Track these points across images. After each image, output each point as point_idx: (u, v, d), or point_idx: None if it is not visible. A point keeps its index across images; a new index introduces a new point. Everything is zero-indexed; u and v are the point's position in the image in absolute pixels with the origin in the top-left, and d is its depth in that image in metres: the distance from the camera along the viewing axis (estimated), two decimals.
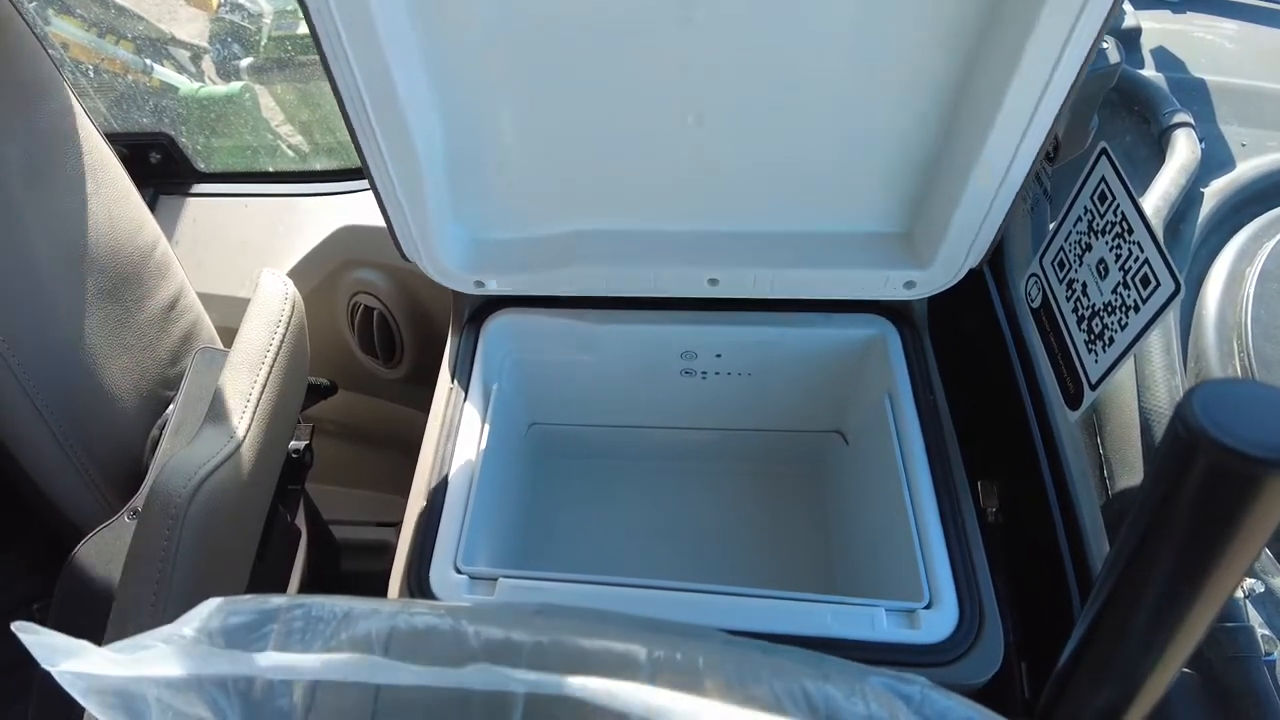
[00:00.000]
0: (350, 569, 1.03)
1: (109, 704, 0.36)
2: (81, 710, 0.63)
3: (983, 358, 0.67)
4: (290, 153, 2.01)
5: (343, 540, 1.02)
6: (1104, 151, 0.52)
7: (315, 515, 0.89)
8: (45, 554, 0.72)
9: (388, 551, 1.09)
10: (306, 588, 0.85)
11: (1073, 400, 0.58)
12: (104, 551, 0.62)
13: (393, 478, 1.10)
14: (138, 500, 0.65)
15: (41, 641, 0.35)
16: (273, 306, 0.59)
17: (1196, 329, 0.81)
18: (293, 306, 0.60)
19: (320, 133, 1.96)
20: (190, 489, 0.49)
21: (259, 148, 1.63)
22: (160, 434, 0.69)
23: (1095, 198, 0.54)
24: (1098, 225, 0.54)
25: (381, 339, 0.90)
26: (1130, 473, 0.77)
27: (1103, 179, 0.53)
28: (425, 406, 0.99)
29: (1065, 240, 0.58)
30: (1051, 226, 0.58)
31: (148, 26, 1.90)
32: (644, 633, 0.36)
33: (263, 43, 2.22)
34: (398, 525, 1.12)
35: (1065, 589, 0.58)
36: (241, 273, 0.98)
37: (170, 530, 0.48)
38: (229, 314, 0.84)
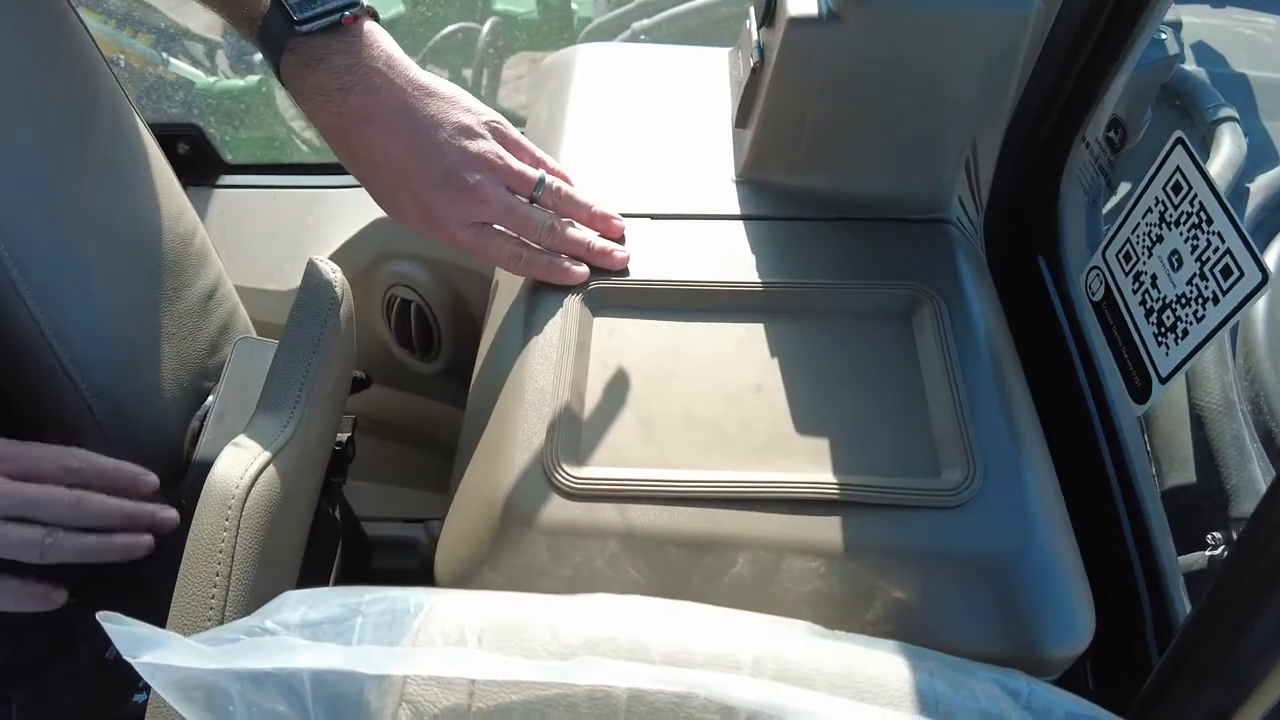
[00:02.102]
0: (378, 566, 1.01)
1: (190, 697, 0.35)
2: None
3: (1038, 352, 0.66)
4: (304, 147, 2.00)
5: (370, 536, 1.01)
6: (1180, 141, 0.52)
7: (347, 510, 0.88)
8: None
9: (416, 548, 1.08)
10: (341, 583, 0.84)
11: (1139, 394, 0.57)
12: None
13: (422, 474, 1.09)
14: (183, 493, 0.63)
15: (126, 631, 0.34)
16: (322, 293, 0.58)
17: (1245, 324, 0.80)
18: (342, 293, 0.59)
19: None
20: (248, 479, 0.48)
21: (287, 139, 1.62)
22: (200, 425, 0.68)
23: (1168, 189, 0.53)
24: (1171, 217, 0.53)
25: (419, 332, 0.89)
26: (1181, 469, 0.77)
27: (1178, 169, 0.52)
28: (459, 402, 0.98)
29: (1132, 232, 0.57)
30: (1117, 219, 0.58)
31: (163, 19, 1.89)
32: (740, 626, 0.35)
33: None
34: (425, 521, 1.11)
35: (1132, 587, 0.57)
36: (271, 265, 0.97)
37: (229, 522, 0.46)
38: (258, 306, 0.83)
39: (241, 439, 0.50)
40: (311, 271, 0.59)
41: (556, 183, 0.60)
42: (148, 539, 0.57)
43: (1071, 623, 0.49)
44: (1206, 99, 0.91)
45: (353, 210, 0.96)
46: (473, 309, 0.88)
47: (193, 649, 0.33)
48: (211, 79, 1.77)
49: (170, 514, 0.57)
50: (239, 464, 0.48)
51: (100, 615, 0.34)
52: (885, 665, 0.34)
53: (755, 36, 0.64)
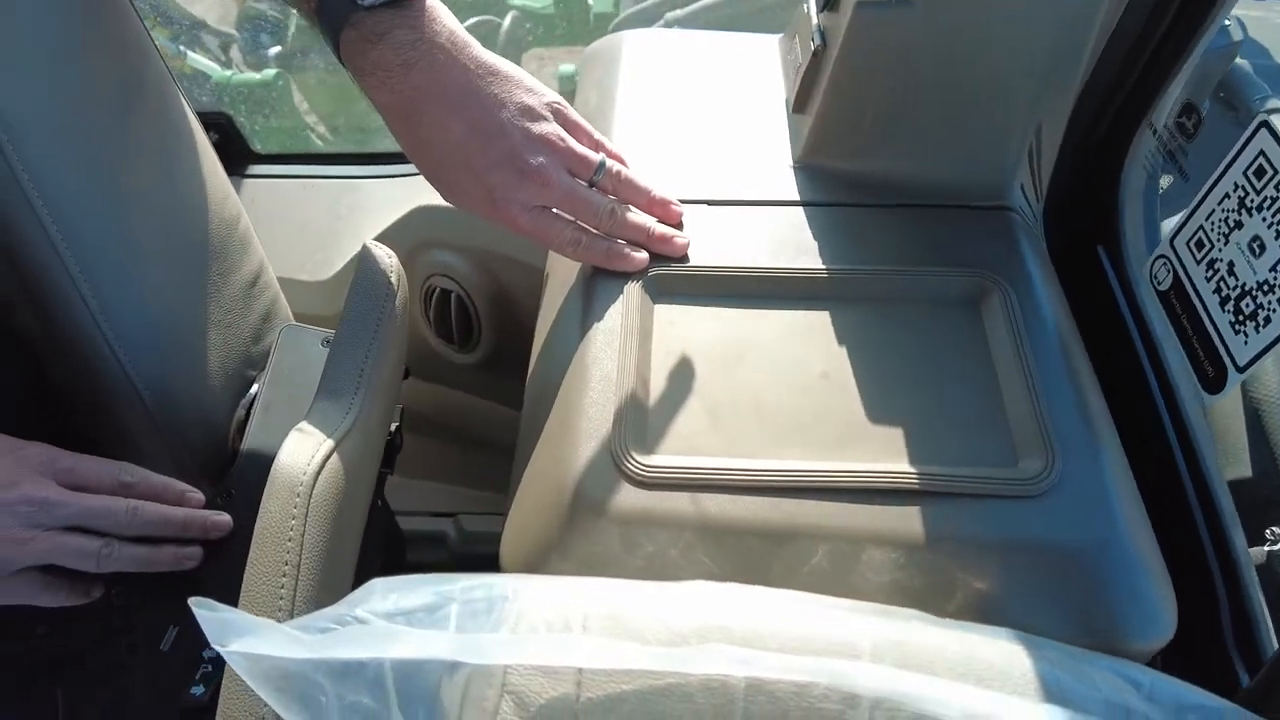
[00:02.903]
0: (411, 559, 1.00)
1: (279, 688, 0.34)
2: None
3: (1099, 342, 0.65)
4: (319, 142, 1.99)
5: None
6: (1265, 124, 0.50)
7: (384, 503, 0.87)
8: None
9: (446, 542, 1.06)
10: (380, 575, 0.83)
11: (1212, 384, 0.56)
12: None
13: (453, 468, 1.08)
14: (231, 482, 0.62)
15: (218, 618, 0.32)
16: (379, 279, 0.56)
17: None
18: (398, 279, 0.57)
19: (346, 125, 1.94)
20: (315, 465, 0.47)
21: (299, 132, 1.61)
22: (246, 414, 0.66)
23: (1250, 173, 0.52)
24: (1253, 202, 0.52)
25: (459, 322, 0.88)
26: (1237, 465, 0.75)
27: (1262, 153, 0.51)
28: (495, 395, 0.97)
29: (1206, 220, 0.56)
30: (1189, 207, 0.56)
31: (178, 11, 1.87)
32: (852, 613, 0.34)
33: (290, 31, 2.20)
34: (454, 515, 1.10)
35: (1206, 579, 0.56)
36: (303, 255, 0.95)
37: (297, 509, 0.45)
38: (291, 297, 0.82)
39: (305, 425, 0.49)
40: (367, 257, 0.58)
41: (616, 167, 0.59)
42: (197, 549, 0.58)
43: (1154, 615, 0.48)
44: (1253, 90, 0.89)
45: (384, 201, 0.95)
46: (514, 299, 0.87)
47: (290, 637, 0.32)
48: (228, 73, 1.76)
49: (223, 519, 0.59)
50: (305, 450, 0.47)
51: (191, 601, 0.33)
52: (1005, 653, 0.32)
53: (815, 21, 0.63)
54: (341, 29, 0.53)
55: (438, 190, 0.58)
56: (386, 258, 0.58)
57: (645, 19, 1.48)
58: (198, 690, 0.53)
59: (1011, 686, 0.31)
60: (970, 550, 0.48)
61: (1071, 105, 0.61)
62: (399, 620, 0.35)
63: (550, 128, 0.56)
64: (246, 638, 0.33)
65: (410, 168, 0.97)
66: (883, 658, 0.31)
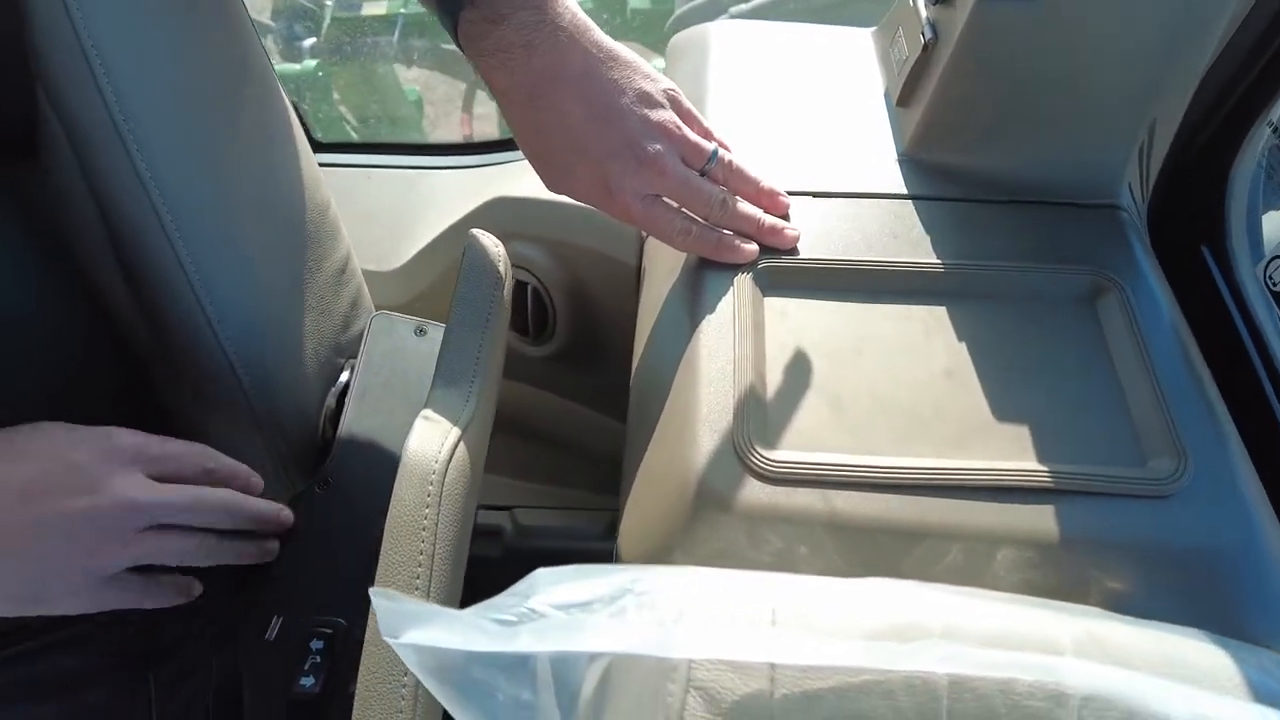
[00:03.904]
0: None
1: (447, 680, 0.33)
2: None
3: (1206, 344, 0.64)
4: (354, 134, 1.98)
5: None
6: None
7: None
8: None
9: (501, 536, 1.05)
10: None
11: None
12: (296, 522, 0.59)
13: (509, 461, 1.07)
14: (328, 472, 0.61)
15: (395, 608, 0.31)
16: (489, 265, 0.56)
17: None
18: (506, 268, 0.56)
19: (378, 117, 1.93)
20: (445, 453, 0.46)
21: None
22: (336, 402, 0.66)
23: None
24: None
25: (535, 315, 0.87)
26: None
27: None
28: (562, 390, 0.96)
29: None
30: None
31: None
32: (1045, 611, 0.33)
33: (325, 23, 2.20)
34: (510, 509, 1.09)
35: None
36: (370, 246, 0.94)
37: (431, 498, 0.44)
38: None
39: (430, 413, 0.48)
40: (475, 245, 0.57)
41: (728, 156, 0.58)
42: (276, 543, 0.58)
43: None
44: None
45: (453, 192, 0.94)
46: (590, 292, 0.86)
47: (477, 628, 0.31)
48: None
49: (289, 515, 0.59)
50: (435, 438, 0.46)
51: (372, 591, 0.32)
52: (1209, 654, 0.32)
53: (925, 14, 0.62)
54: (461, 8, 0.52)
55: (544, 176, 0.57)
56: (494, 246, 0.57)
57: (702, 15, 1.46)
58: (307, 681, 0.52)
59: (1221, 688, 0.30)
60: (1103, 550, 0.47)
61: (1188, 101, 0.60)
62: (574, 612, 0.34)
63: (667, 115, 0.55)
64: (425, 628, 0.32)
65: (478, 159, 0.96)
66: (1086, 653, 0.31)
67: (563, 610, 0.33)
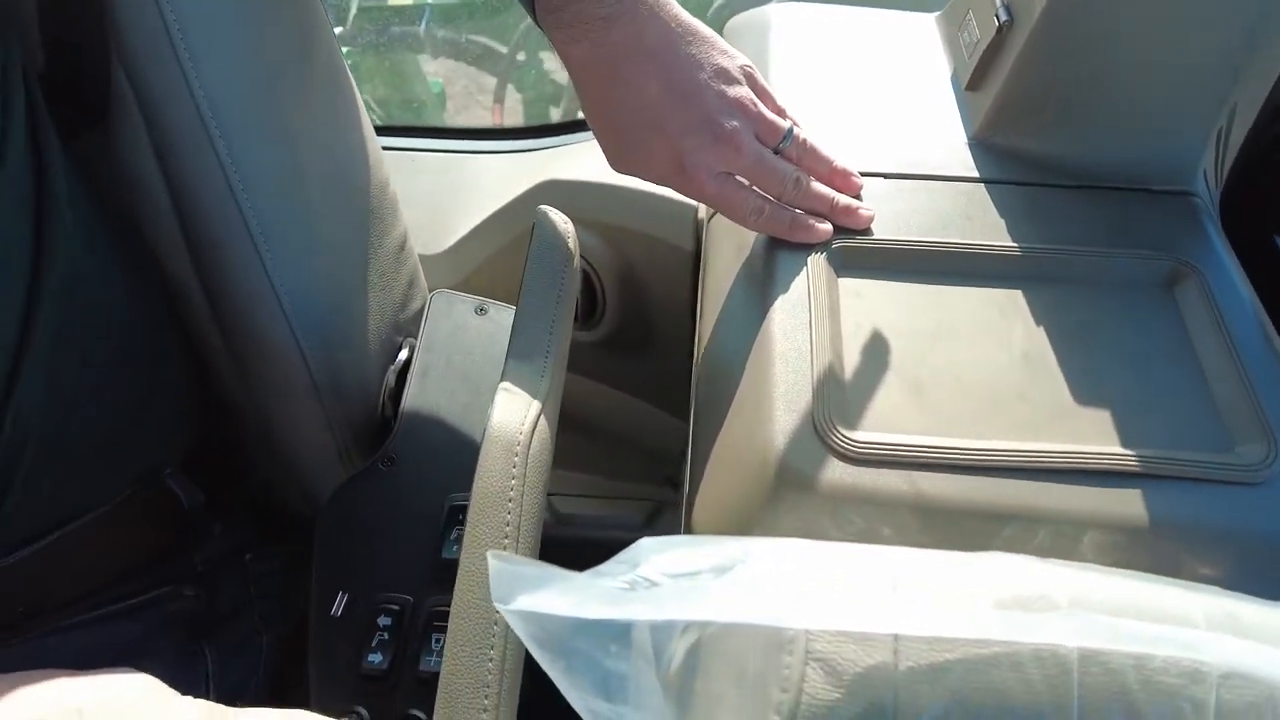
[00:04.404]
0: None
1: (556, 650, 0.32)
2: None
3: None
4: (376, 120, 1.97)
5: None
6: None
7: None
8: (259, 502, 0.68)
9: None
10: None
11: None
12: (360, 499, 0.59)
13: (561, 451, 1.06)
14: (390, 448, 0.61)
15: (510, 571, 0.31)
16: (559, 244, 0.55)
17: None
18: (574, 245, 0.56)
19: (401, 107, 1.92)
20: (529, 424, 0.45)
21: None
22: (395, 380, 0.65)
23: None
24: None
25: (584, 299, 0.87)
26: None
27: None
28: (605, 377, 0.95)
29: None
30: None
31: None
32: (1169, 586, 0.32)
33: (352, 13, 2.20)
34: (550, 496, 1.08)
35: None
36: (413, 229, 0.94)
37: (516, 469, 0.44)
38: None
39: (508, 385, 0.48)
40: (543, 220, 0.56)
41: (803, 134, 0.57)
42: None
43: None
44: None
45: (499, 176, 0.94)
46: (641, 277, 0.85)
47: (592, 593, 0.30)
48: None
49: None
50: (517, 410, 0.46)
51: (490, 553, 0.31)
52: None
53: None
54: None
55: (613, 154, 0.56)
56: (564, 223, 0.56)
57: (744, 3, 1.45)
58: (375, 658, 0.52)
59: None
60: (1193, 535, 0.46)
61: (1270, 87, 0.59)
62: (684, 582, 0.33)
63: (744, 91, 0.55)
64: (542, 593, 0.31)
65: (524, 143, 0.95)
66: (1219, 628, 0.30)
67: (674, 579, 0.33)
